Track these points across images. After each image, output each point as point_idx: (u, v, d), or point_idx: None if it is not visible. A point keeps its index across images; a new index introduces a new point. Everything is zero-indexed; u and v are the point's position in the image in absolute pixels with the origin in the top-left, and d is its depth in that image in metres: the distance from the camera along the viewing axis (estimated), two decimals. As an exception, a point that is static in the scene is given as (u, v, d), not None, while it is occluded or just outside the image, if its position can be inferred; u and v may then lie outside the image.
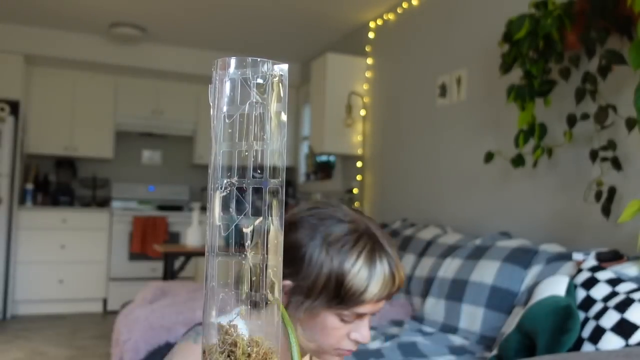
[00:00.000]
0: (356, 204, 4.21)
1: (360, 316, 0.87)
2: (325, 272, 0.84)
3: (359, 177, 4.20)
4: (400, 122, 3.70)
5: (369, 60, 4.16)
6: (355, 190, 4.24)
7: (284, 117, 0.43)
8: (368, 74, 4.15)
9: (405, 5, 3.72)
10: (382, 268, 0.86)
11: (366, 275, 0.84)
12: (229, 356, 0.42)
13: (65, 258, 4.94)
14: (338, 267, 0.84)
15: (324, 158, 4.89)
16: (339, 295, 0.84)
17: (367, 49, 4.20)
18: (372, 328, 2.33)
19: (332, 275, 0.84)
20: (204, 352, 0.44)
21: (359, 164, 4.21)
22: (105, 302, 5.10)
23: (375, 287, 0.85)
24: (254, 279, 0.43)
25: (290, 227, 0.89)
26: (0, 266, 4.57)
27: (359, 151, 4.17)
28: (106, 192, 5.61)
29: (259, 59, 0.43)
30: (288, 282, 0.87)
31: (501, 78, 2.47)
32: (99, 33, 4.79)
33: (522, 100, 2.29)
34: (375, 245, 0.87)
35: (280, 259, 0.44)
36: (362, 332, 0.89)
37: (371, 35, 4.15)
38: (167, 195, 5.74)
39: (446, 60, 3.23)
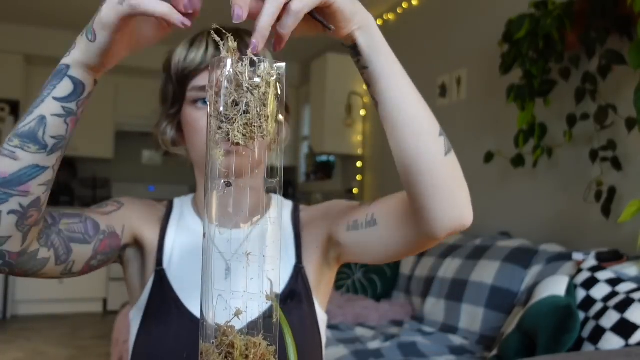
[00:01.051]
0: (356, 204, 4.20)
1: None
2: (163, 75, 0.88)
3: (359, 177, 4.20)
4: (400, 122, 3.69)
5: (369, 60, 4.15)
6: (355, 190, 4.24)
7: (281, 116, 0.43)
8: (368, 74, 4.15)
9: (405, 5, 3.72)
10: (199, 38, 0.86)
11: (184, 46, 0.87)
12: (226, 357, 0.42)
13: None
14: (169, 58, 0.90)
15: (324, 158, 4.88)
16: (171, 79, 0.86)
17: (367, 49, 4.19)
18: (371, 328, 2.33)
19: (165, 67, 0.89)
20: (201, 353, 0.43)
21: (359, 164, 4.20)
22: (105, 302, 5.10)
23: (196, 53, 0.84)
24: (251, 279, 0.43)
25: None
26: (0, 266, 4.57)
27: (359, 151, 4.17)
28: (106, 192, 5.61)
29: (256, 58, 0.43)
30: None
31: (501, 78, 2.47)
32: (99, 33, 4.78)
33: (522, 100, 2.29)
34: (202, 33, 0.87)
35: (278, 257, 0.44)
36: None
37: (371, 35, 4.14)
38: (168, 195, 5.71)
39: (446, 60, 3.23)
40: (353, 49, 0.64)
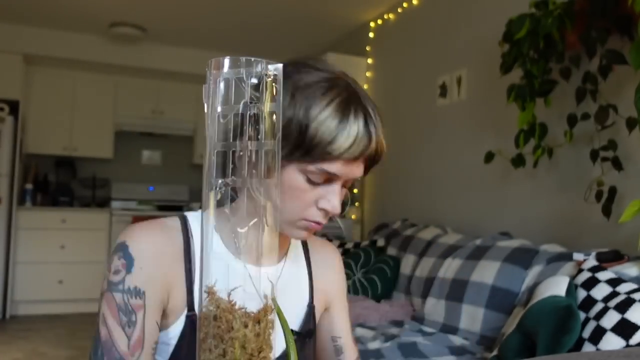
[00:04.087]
0: (356, 204, 4.21)
1: (329, 179, 0.78)
2: (288, 116, 0.72)
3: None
4: (400, 122, 3.69)
5: (369, 60, 4.16)
6: (355, 190, 4.23)
7: (278, 116, 0.43)
8: (368, 74, 4.15)
9: (405, 5, 3.71)
10: (356, 121, 0.75)
11: (335, 124, 0.73)
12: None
13: (65, 258, 4.93)
14: (303, 113, 0.73)
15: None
16: (303, 144, 0.73)
17: (367, 48, 4.19)
18: (372, 328, 2.33)
19: (294, 121, 0.73)
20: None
21: (359, 164, 4.19)
22: (105, 302, 5.09)
23: (344, 140, 0.73)
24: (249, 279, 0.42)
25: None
26: (0, 266, 4.57)
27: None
28: (106, 192, 5.61)
29: (253, 59, 0.42)
30: None
31: (501, 78, 2.47)
32: (99, 33, 4.78)
33: (522, 100, 2.29)
34: (351, 97, 0.77)
35: (276, 256, 0.44)
36: (331, 200, 0.78)
37: (371, 35, 4.14)
38: (167, 195, 5.74)
39: (446, 60, 3.22)
40: None
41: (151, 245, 0.80)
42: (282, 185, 0.76)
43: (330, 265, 1.01)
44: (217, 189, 0.42)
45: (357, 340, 2.12)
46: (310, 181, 0.76)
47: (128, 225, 0.84)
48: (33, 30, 4.70)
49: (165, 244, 0.81)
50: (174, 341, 0.81)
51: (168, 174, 5.92)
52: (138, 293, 0.77)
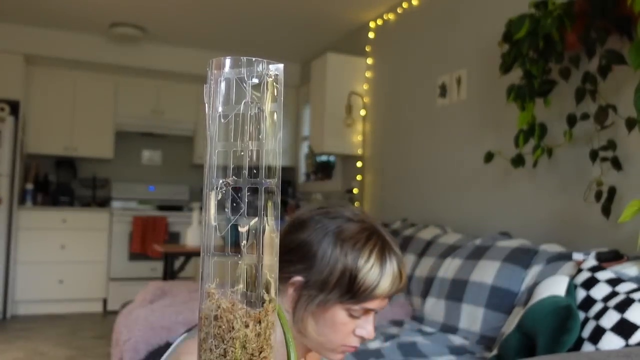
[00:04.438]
0: (356, 204, 4.21)
1: (366, 312, 0.91)
2: (339, 267, 0.88)
3: (359, 177, 4.20)
4: (400, 122, 3.69)
5: (369, 60, 4.16)
6: (355, 190, 4.24)
7: (279, 116, 0.43)
8: (368, 74, 4.15)
9: (405, 5, 3.72)
10: (391, 266, 0.89)
11: (378, 272, 0.88)
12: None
13: (65, 258, 4.94)
14: (352, 263, 0.87)
15: (324, 158, 4.88)
16: (352, 290, 0.87)
17: (367, 49, 4.20)
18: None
19: (346, 271, 0.87)
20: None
21: (359, 164, 4.20)
22: (105, 302, 5.10)
23: (385, 284, 0.88)
24: (249, 279, 0.43)
25: (300, 225, 0.93)
26: (0, 266, 4.57)
27: (359, 151, 4.17)
28: (106, 192, 5.61)
29: (254, 59, 0.43)
30: (299, 278, 0.90)
31: (501, 78, 2.47)
32: (99, 33, 4.79)
33: (522, 100, 2.29)
34: (384, 244, 0.91)
35: (276, 258, 0.44)
36: (367, 328, 0.91)
37: (371, 35, 4.15)
38: (167, 195, 5.74)
39: (446, 60, 3.23)
40: None
41: None
42: (327, 320, 0.90)
43: None
44: (218, 189, 0.42)
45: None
46: (352, 316, 0.90)
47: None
48: (33, 30, 4.71)
49: None
50: None
51: (168, 174, 5.92)
52: None
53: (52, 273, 4.89)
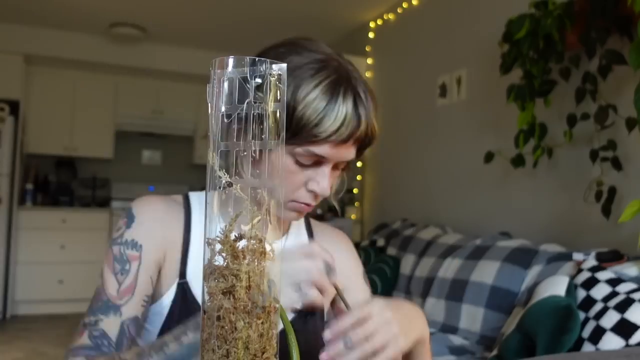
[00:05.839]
0: (356, 204, 4.21)
1: (318, 162, 0.77)
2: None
3: (359, 177, 4.20)
4: (400, 122, 3.69)
5: (369, 60, 4.16)
6: (355, 190, 4.24)
7: (282, 116, 0.43)
8: (368, 74, 4.15)
9: (405, 5, 3.72)
10: (344, 103, 0.74)
11: (322, 106, 0.72)
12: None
13: (65, 258, 4.93)
14: (290, 94, 0.72)
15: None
16: (290, 126, 0.72)
17: (367, 49, 4.20)
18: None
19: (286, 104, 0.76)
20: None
21: (359, 164, 4.20)
22: (105, 302, 5.09)
23: (331, 122, 0.73)
24: (252, 277, 0.43)
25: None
26: (0, 266, 4.57)
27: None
28: (106, 192, 5.61)
29: (257, 59, 0.43)
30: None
31: (501, 78, 2.47)
32: (99, 33, 4.79)
33: (522, 100, 2.29)
34: (341, 79, 0.75)
35: (278, 261, 0.44)
36: (320, 181, 0.78)
37: (371, 35, 4.15)
38: (167, 195, 5.73)
39: (446, 60, 3.23)
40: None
41: (153, 207, 0.86)
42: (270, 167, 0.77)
43: (337, 246, 0.95)
44: (221, 188, 0.42)
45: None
46: (299, 163, 0.76)
47: None
48: (33, 30, 4.71)
49: (166, 211, 0.87)
50: (166, 310, 0.83)
51: (168, 174, 5.92)
52: (135, 245, 0.81)
53: (52, 273, 4.88)
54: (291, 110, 0.72)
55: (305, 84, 0.73)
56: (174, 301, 0.83)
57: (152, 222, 0.84)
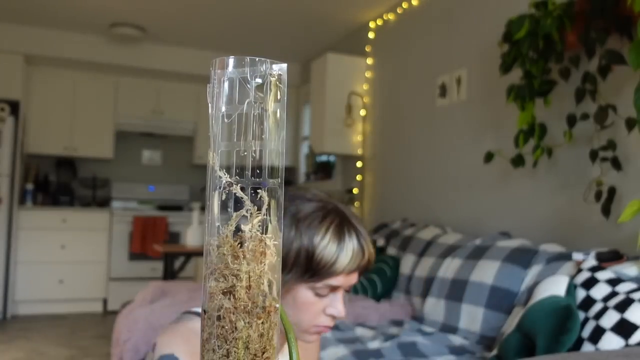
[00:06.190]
0: (356, 204, 4.21)
1: (334, 289, 0.91)
2: (295, 247, 0.88)
3: (359, 177, 4.20)
4: (400, 122, 3.70)
5: (369, 60, 4.16)
6: (355, 190, 4.24)
7: (282, 116, 0.43)
8: (368, 74, 4.15)
9: (405, 5, 3.72)
10: (350, 240, 0.90)
11: (335, 247, 0.88)
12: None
13: (65, 258, 4.94)
14: (308, 242, 0.88)
15: (324, 158, 4.89)
16: (310, 268, 0.87)
17: (367, 49, 4.20)
18: (371, 328, 2.33)
19: (302, 250, 0.88)
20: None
21: (359, 164, 4.20)
22: (105, 302, 5.10)
23: (344, 259, 0.88)
24: (252, 277, 0.43)
25: None
26: (0, 266, 4.57)
27: (359, 151, 4.17)
28: (106, 192, 5.61)
29: (257, 59, 0.43)
30: None
31: (501, 78, 2.47)
32: (99, 33, 4.79)
33: (522, 100, 2.29)
34: (343, 220, 0.91)
35: (279, 258, 0.44)
36: (337, 306, 0.92)
37: (371, 35, 4.15)
38: (167, 195, 5.74)
39: (446, 60, 3.23)
40: None
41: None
42: (293, 302, 0.91)
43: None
44: (222, 189, 0.42)
45: (357, 340, 2.12)
46: (318, 295, 0.91)
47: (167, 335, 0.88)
48: (33, 30, 4.71)
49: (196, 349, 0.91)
50: None
51: (168, 174, 5.92)
52: None
53: (52, 273, 4.89)
54: (310, 255, 0.88)
55: (318, 231, 0.89)
56: None
57: None
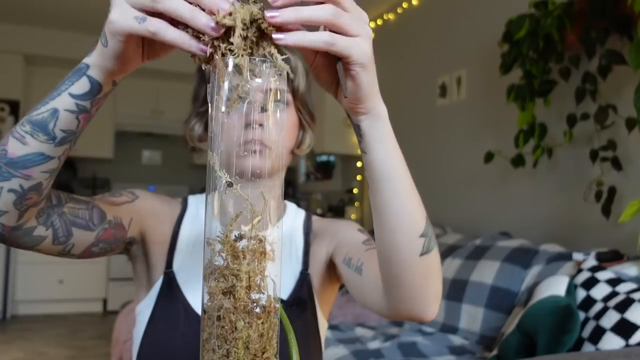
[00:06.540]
0: (356, 204, 4.21)
1: None
2: (197, 75, 0.93)
3: (359, 177, 4.20)
4: (400, 122, 3.69)
5: (369, 60, 4.16)
6: (355, 190, 4.24)
7: (282, 116, 0.43)
8: (368, 74, 4.15)
9: (405, 5, 3.72)
10: None
11: None
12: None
13: (65, 258, 4.93)
14: None
15: (324, 158, 4.89)
16: (206, 82, 0.87)
17: (367, 49, 4.19)
18: (371, 328, 2.33)
19: (199, 72, 0.91)
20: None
21: (359, 164, 4.20)
22: (105, 302, 5.10)
23: None
24: (252, 277, 0.43)
25: None
26: (0, 266, 4.57)
27: (359, 151, 4.17)
28: (106, 192, 5.61)
29: (257, 58, 0.43)
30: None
31: (501, 78, 2.47)
32: (99, 33, 4.77)
33: (522, 100, 2.29)
34: None
35: (279, 256, 0.44)
36: None
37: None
38: (167, 195, 5.73)
39: (446, 60, 3.23)
40: (356, 128, 0.64)
41: (155, 196, 0.98)
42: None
43: (326, 229, 0.97)
44: (222, 189, 0.42)
45: (357, 340, 2.12)
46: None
47: None
48: (33, 30, 4.71)
49: (164, 202, 0.99)
50: (153, 300, 0.88)
51: (168, 174, 5.92)
52: (133, 193, 0.91)
53: (52, 273, 4.88)
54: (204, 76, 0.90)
55: None
56: (160, 289, 0.88)
57: (148, 199, 0.94)
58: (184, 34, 0.49)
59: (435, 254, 0.67)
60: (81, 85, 0.58)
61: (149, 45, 0.57)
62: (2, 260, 4.58)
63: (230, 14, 0.45)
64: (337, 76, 0.56)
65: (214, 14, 0.46)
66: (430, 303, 0.68)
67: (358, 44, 0.53)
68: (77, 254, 0.80)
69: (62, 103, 0.58)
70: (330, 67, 0.58)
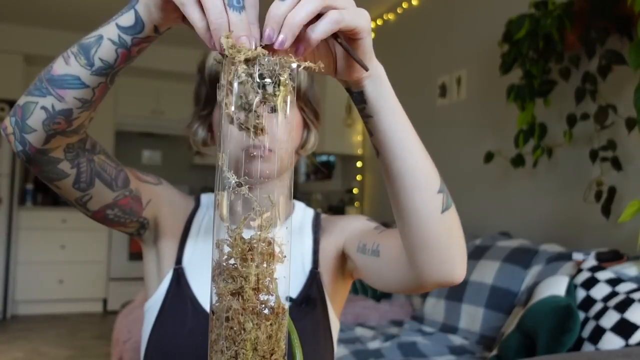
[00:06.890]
0: (356, 204, 4.21)
1: None
2: (197, 76, 0.95)
3: (359, 177, 4.20)
4: (400, 122, 3.69)
5: (369, 60, 4.16)
6: (355, 190, 4.24)
7: (291, 115, 0.44)
8: (368, 74, 4.15)
9: (405, 5, 3.72)
10: None
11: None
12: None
13: (65, 258, 4.93)
14: None
15: (324, 158, 4.89)
16: (206, 83, 0.90)
17: (367, 49, 4.19)
18: (371, 328, 2.34)
19: (199, 72, 0.95)
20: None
21: (359, 164, 4.21)
22: (105, 302, 5.10)
23: None
24: (260, 279, 0.43)
25: None
26: (0, 266, 4.57)
27: (359, 151, 4.17)
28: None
29: (266, 58, 0.43)
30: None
31: (501, 78, 2.48)
32: (99, 33, 4.78)
33: (522, 100, 2.30)
34: None
35: (289, 257, 0.45)
36: None
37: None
38: (167, 195, 5.74)
39: (446, 60, 3.23)
40: (359, 96, 0.63)
41: (176, 189, 0.99)
42: (216, 129, 0.88)
43: (335, 225, 0.97)
44: (230, 189, 0.42)
45: (357, 340, 2.13)
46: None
47: None
48: (33, 30, 4.70)
49: (182, 197, 0.99)
50: (162, 296, 0.88)
51: (168, 174, 5.91)
52: (158, 179, 0.93)
53: (52, 273, 4.88)
54: (204, 78, 0.92)
55: None
56: (170, 285, 0.88)
57: (170, 190, 0.96)
58: (205, 23, 0.50)
59: (454, 211, 0.67)
60: (128, 18, 0.60)
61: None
62: (2, 260, 4.58)
63: (239, 51, 0.45)
64: (334, 57, 0.57)
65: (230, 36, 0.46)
66: (458, 262, 0.67)
67: (358, 12, 0.53)
68: (92, 209, 0.80)
69: (108, 32, 0.60)
70: (327, 51, 0.59)
